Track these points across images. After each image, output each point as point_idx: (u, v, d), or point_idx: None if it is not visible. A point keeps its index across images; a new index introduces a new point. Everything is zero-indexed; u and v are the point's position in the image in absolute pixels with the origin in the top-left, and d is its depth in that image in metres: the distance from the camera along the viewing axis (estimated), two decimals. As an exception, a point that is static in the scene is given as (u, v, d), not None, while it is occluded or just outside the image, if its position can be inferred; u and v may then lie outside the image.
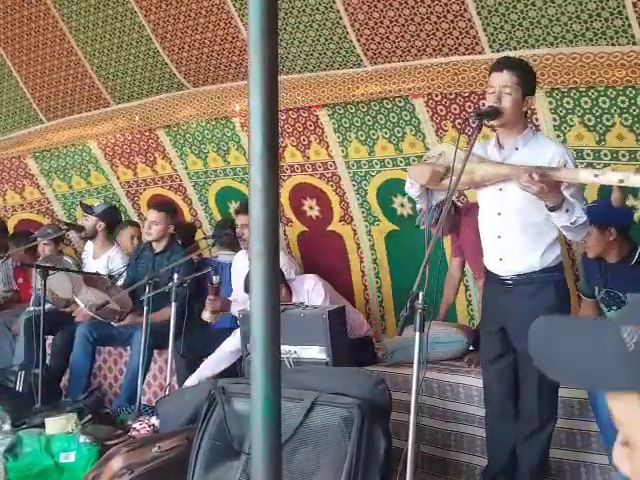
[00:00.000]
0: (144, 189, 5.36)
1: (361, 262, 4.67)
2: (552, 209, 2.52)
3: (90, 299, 4.21)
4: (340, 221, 4.63)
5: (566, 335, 0.75)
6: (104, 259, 4.85)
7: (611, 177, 2.37)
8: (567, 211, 2.52)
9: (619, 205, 2.50)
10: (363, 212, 4.52)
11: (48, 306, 4.34)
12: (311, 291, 3.75)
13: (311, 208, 4.72)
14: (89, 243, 5.04)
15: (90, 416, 3.65)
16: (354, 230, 4.60)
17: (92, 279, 4.46)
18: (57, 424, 3.52)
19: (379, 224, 4.49)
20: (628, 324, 0.70)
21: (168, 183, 5.24)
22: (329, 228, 4.69)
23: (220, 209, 5.11)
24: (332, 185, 4.54)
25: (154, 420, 3.51)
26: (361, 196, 4.47)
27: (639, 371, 0.67)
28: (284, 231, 4.82)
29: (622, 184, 2.33)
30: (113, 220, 4.99)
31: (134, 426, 3.53)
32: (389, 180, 4.28)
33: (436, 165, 2.73)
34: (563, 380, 0.77)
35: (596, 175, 2.42)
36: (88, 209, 4.90)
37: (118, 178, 5.38)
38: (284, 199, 4.74)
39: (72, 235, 5.46)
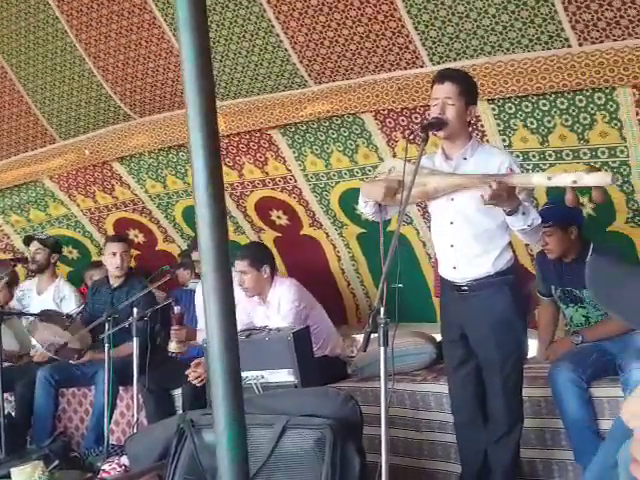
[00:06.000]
0: (107, 214, 5.29)
1: (339, 260, 4.72)
2: (509, 213, 2.56)
3: (48, 339, 4.10)
4: (311, 227, 4.67)
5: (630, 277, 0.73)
6: (50, 292, 4.71)
7: (564, 179, 2.39)
8: (523, 214, 2.56)
9: (573, 205, 2.57)
10: (329, 219, 4.57)
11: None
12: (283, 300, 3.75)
13: (279, 218, 4.74)
14: (28, 281, 4.91)
15: (57, 462, 3.55)
16: (326, 233, 4.65)
17: (49, 317, 4.34)
18: (23, 474, 3.40)
19: (347, 227, 4.56)
20: None
21: (131, 207, 5.18)
22: (302, 232, 4.72)
23: (189, 225, 5.07)
24: (294, 197, 4.57)
25: (124, 460, 3.43)
26: (324, 205, 4.51)
27: None
28: (259, 238, 4.83)
29: (575, 185, 2.36)
30: (60, 251, 4.93)
31: (103, 468, 3.45)
32: (349, 190, 4.32)
33: (389, 180, 2.74)
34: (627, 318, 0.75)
35: (549, 178, 2.46)
36: (42, 241, 4.77)
37: (78, 206, 5.29)
38: (250, 211, 4.74)
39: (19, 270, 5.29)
